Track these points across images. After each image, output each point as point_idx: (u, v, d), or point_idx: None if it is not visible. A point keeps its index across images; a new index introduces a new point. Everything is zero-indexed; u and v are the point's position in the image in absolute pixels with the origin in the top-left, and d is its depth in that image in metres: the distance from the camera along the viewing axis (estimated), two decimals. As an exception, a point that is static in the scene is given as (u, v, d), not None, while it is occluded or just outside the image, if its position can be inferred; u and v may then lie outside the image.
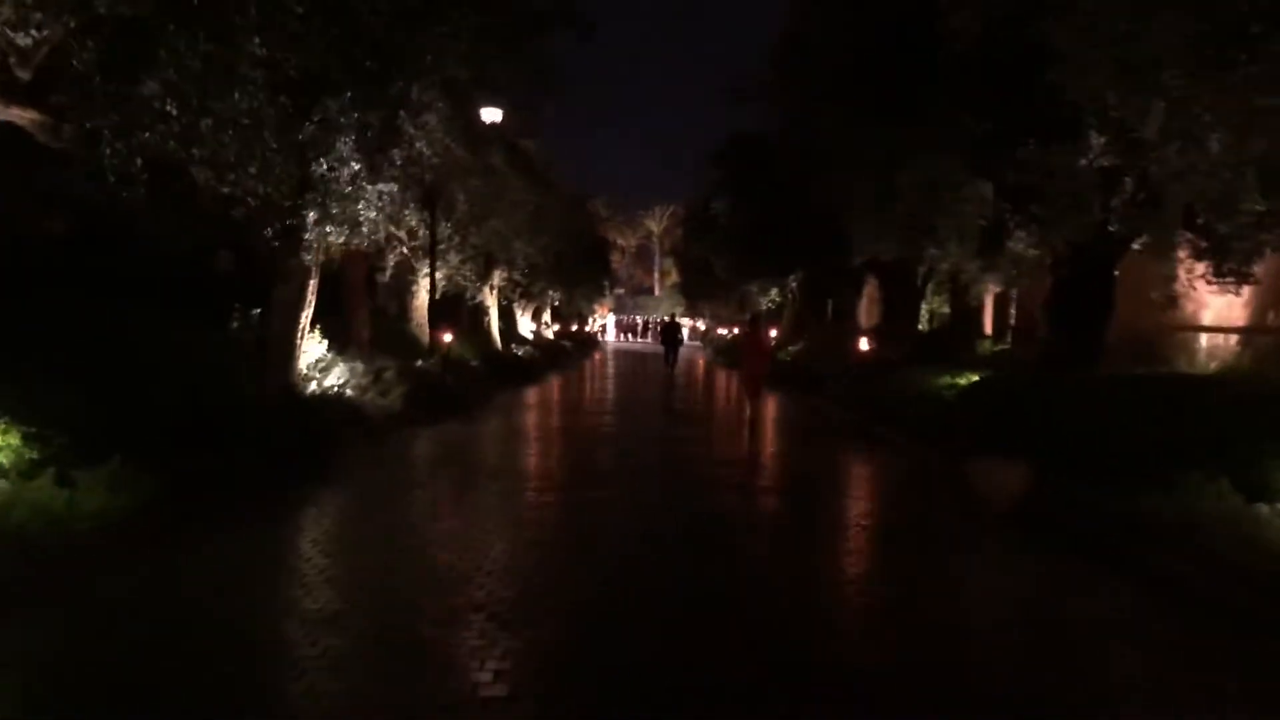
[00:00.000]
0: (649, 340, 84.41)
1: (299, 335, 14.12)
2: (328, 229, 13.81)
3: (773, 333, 36.89)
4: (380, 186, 14.27)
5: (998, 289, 18.23)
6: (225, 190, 10.30)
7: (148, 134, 8.94)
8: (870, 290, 37.84)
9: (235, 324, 15.10)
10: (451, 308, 29.42)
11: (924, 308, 34.09)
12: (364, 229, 14.57)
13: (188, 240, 15.18)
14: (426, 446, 14.11)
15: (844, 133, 16.37)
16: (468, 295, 30.27)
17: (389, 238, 23.37)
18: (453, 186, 22.69)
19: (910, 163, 14.62)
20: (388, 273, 23.95)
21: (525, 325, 41.35)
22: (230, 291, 15.67)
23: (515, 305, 39.28)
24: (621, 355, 56.93)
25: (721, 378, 34.90)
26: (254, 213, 14.11)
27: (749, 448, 15.12)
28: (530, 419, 18.14)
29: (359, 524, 8.70)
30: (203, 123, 9.26)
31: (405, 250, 23.54)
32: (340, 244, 14.24)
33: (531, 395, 24.43)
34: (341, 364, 15.52)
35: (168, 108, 8.97)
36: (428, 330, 22.71)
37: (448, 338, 19.13)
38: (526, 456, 13.38)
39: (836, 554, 8.12)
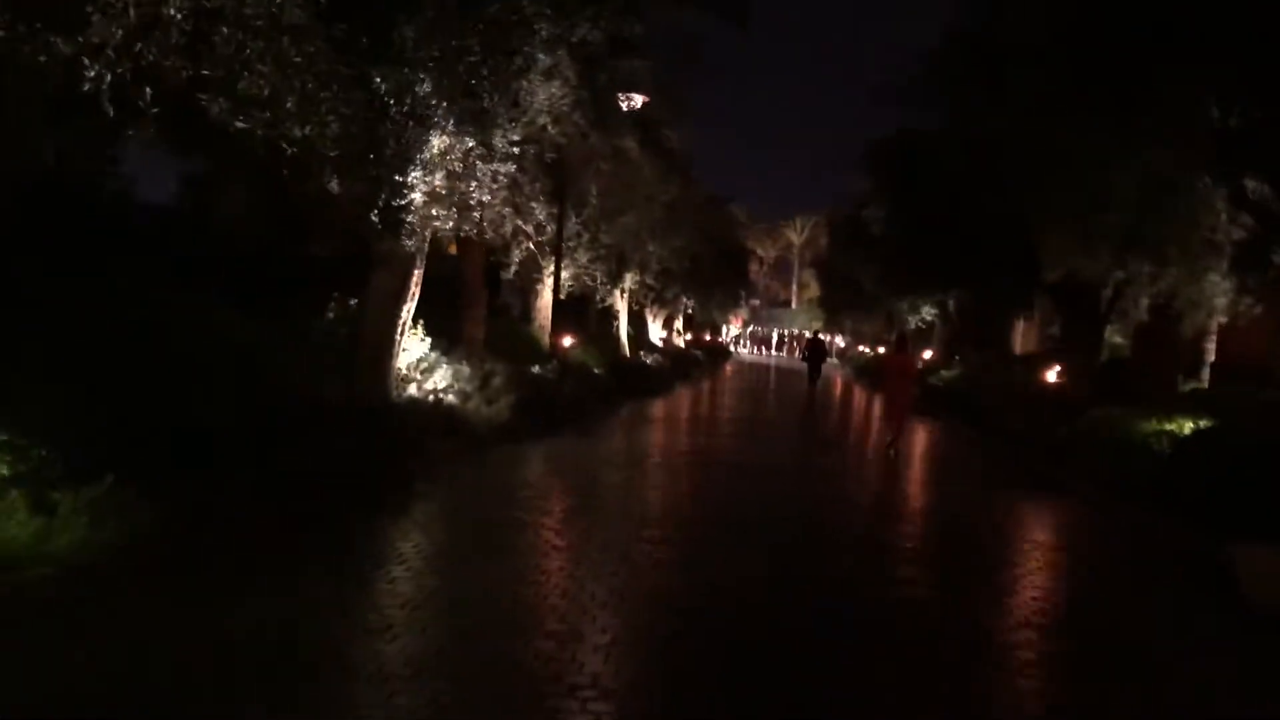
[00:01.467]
0: (783, 354, 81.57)
1: (398, 331, 12.44)
2: (434, 211, 12.14)
3: (925, 354, 33.95)
4: (496, 166, 12.50)
5: (1220, 318, 15.22)
6: (287, 149, 8.55)
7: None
8: (1031, 317, 34.60)
9: (331, 315, 13.58)
10: (578, 311, 27.73)
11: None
12: (475, 214, 12.84)
13: (272, 222, 13.69)
14: (528, 469, 12.20)
15: (1041, 127, 13.73)
16: (596, 298, 28.53)
17: (515, 231, 21.85)
18: (584, 178, 20.95)
19: (1129, 161, 11.97)
20: (512, 269, 22.32)
21: (656, 332, 39.47)
22: (329, 280, 14.19)
23: (646, 310, 37.42)
24: (755, 369, 54.48)
25: (865, 401, 32.18)
26: (350, 189, 12.60)
27: (894, 487, 12.74)
28: (652, 439, 16.11)
29: (417, 584, 6.77)
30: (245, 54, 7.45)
31: (531, 245, 21.90)
32: (448, 229, 12.51)
33: (657, 410, 22.40)
34: (446, 365, 13.81)
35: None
36: (549, 333, 20.97)
37: (568, 342, 17.30)
38: (641, 490, 11.28)
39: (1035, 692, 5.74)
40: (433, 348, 14.22)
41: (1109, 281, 20.78)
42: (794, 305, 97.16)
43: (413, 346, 13.62)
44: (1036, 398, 17.57)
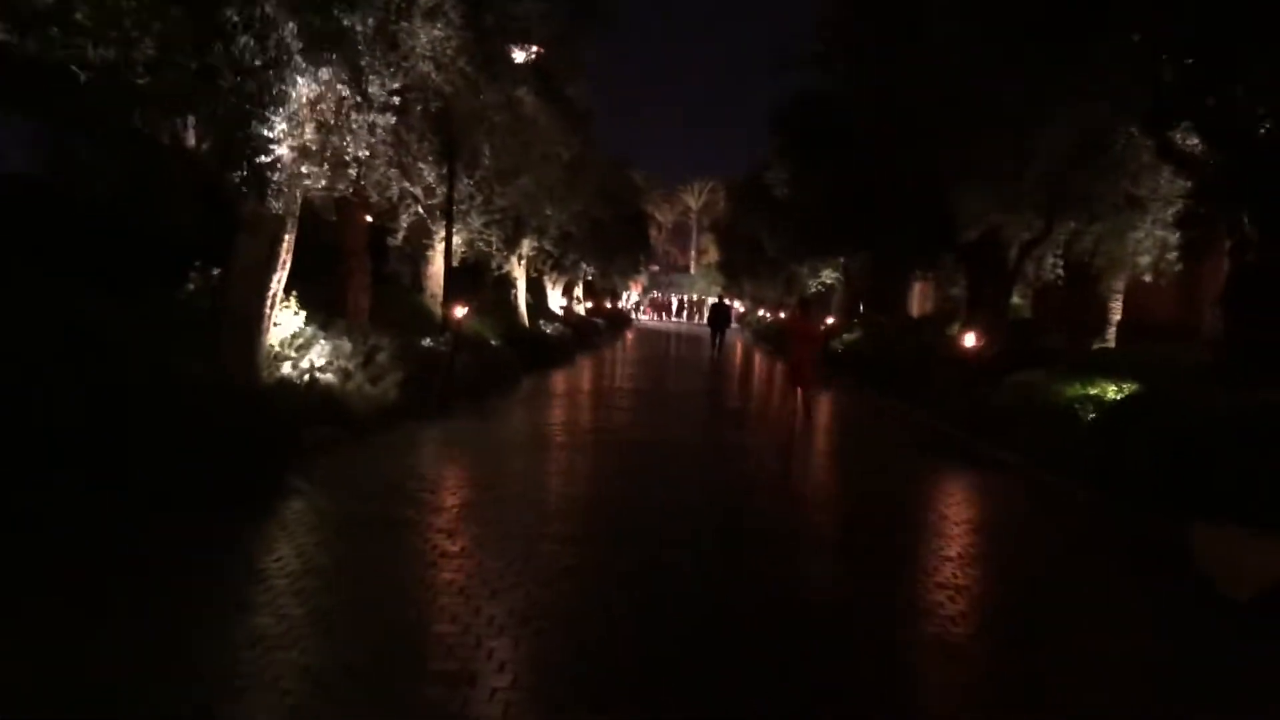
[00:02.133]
0: (683, 320, 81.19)
1: (267, 304, 11.10)
2: (304, 168, 10.80)
3: (829, 319, 33.65)
4: (374, 117, 11.21)
5: (1144, 275, 14.84)
6: (81, 75, 7.20)
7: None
8: (928, 279, 34.49)
9: (192, 287, 12.11)
10: (473, 279, 26.34)
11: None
12: (352, 171, 11.52)
13: (124, 186, 12.18)
14: (417, 457, 11.01)
15: (961, 81, 13.02)
16: (493, 265, 27.21)
17: (402, 194, 20.39)
18: (477, 135, 19.60)
19: (1055, 115, 11.32)
20: (399, 235, 20.87)
21: (555, 300, 38.25)
22: (190, 250, 12.68)
23: (545, 278, 36.17)
24: (657, 336, 53.72)
25: (769, 367, 31.66)
26: (209, 144, 11.18)
27: (810, 463, 12.05)
28: (554, 417, 15.04)
29: (275, 614, 5.63)
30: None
31: (420, 209, 20.47)
32: (321, 189, 11.17)
33: (559, 382, 21.33)
34: (324, 341, 12.48)
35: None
36: (441, 303, 19.64)
37: (461, 312, 16.02)
38: (543, 478, 10.21)
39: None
40: (310, 321, 12.87)
41: (1015, 241, 20.53)
42: (692, 270, 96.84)
43: (285, 321, 12.26)
44: (946, 362, 17.09)
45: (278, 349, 12.03)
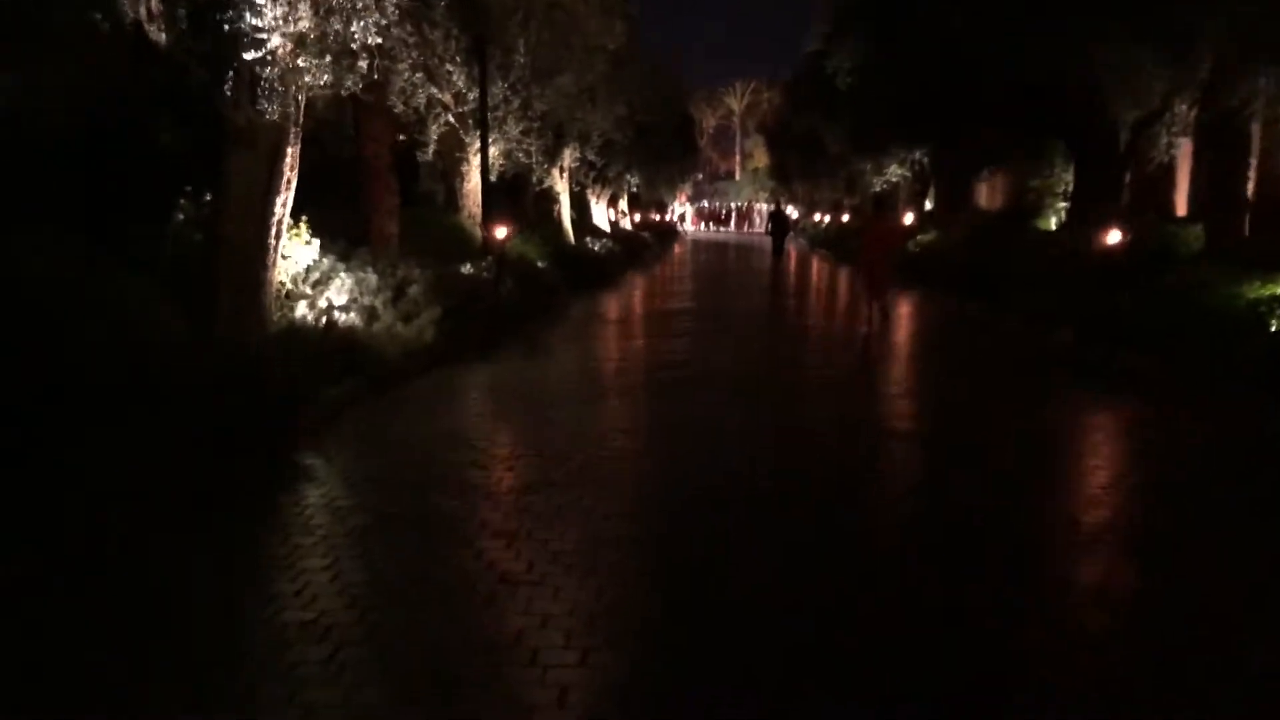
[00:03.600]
0: (732, 229, 78.42)
1: (271, 233, 9.14)
2: (302, 62, 8.73)
3: (908, 218, 31.05)
4: (383, -5, 9.07)
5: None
6: None
7: None
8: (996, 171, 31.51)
9: (182, 218, 10.16)
10: (513, 196, 24.26)
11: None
12: (361, 64, 9.38)
13: (98, 102, 10.19)
14: (457, 415, 8.96)
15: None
16: (534, 179, 25.04)
17: (430, 102, 18.22)
18: (510, 28, 17.27)
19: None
20: (430, 149, 18.77)
21: (601, 215, 35.99)
22: (180, 176, 10.69)
23: (589, 191, 33.89)
24: (708, 247, 51.25)
25: (836, 276, 29.32)
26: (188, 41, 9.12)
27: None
28: (612, 351, 13.02)
29: (253, 665, 3.75)
30: None
31: (451, 118, 18.32)
32: (325, 86, 9.07)
33: (612, 306, 19.27)
34: (345, 274, 10.54)
35: None
36: (480, 224, 17.57)
37: (502, 232, 13.97)
38: (611, 439, 8.13)
39: None
40: (327, 251, 10.93)
41: (1127, 118, 17.89)
42: (738, 176, 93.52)
43: (296, 252, 10.32)
44: (1062, 260, 14.73)
45: (290, 286, 10.13)
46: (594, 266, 23.29)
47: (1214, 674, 3.82)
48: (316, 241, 10.46)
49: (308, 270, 10.45)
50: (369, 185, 13.93)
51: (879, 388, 10.46)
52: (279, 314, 9.60)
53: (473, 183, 18.69)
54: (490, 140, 18.18)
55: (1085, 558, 5.12)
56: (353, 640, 4.03)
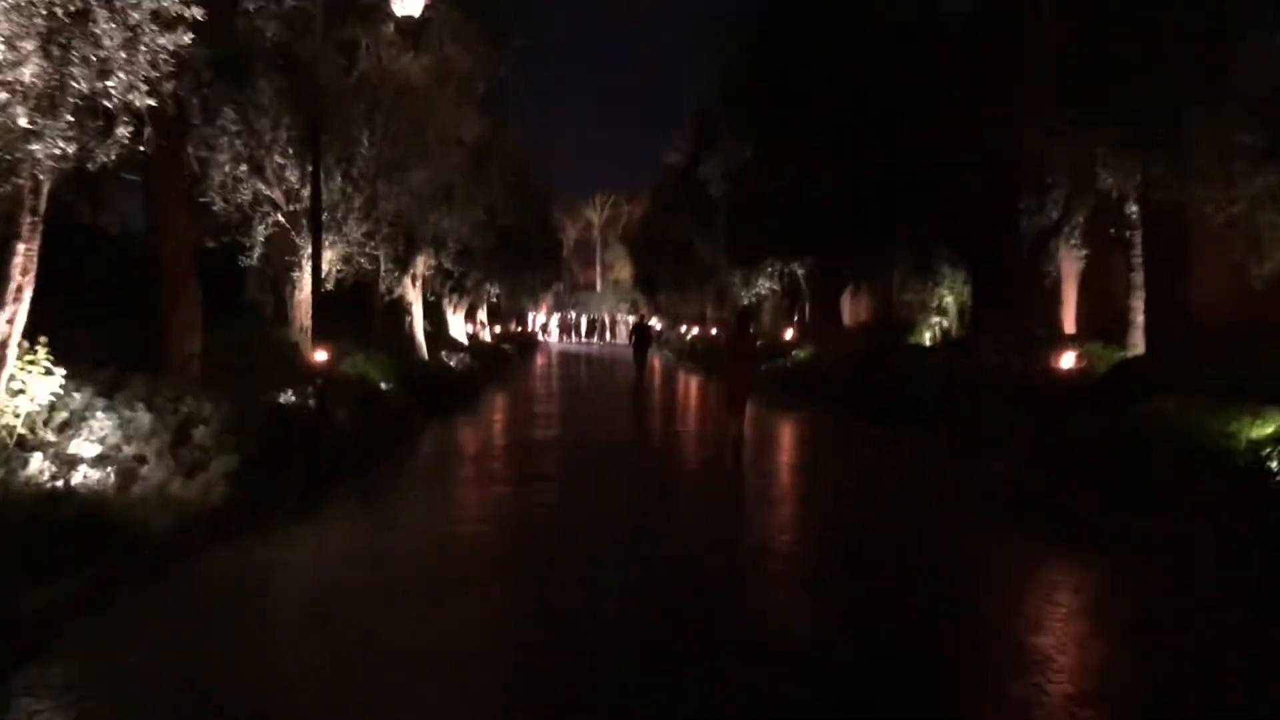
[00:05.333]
0: (594, 341, 76.83)
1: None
2: (24, 121, 6.18)
3: (788, 333, 29.75)
4: (148, 40, 6.62)
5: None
6: None
7: None
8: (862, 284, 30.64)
9: None
10: (357, 307, 21.53)
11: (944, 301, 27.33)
12: (123, 131, 6.82)
13: None
14: (236, 623, 6.20)
15: None
16: (383, 288, 22.41)
17: (256, 198, 15.60)
18: (352, 117, 14.92)
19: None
20: (255, 253, 16.04)
21: (457, 326, 33.42)
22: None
23: (445, 301, 31.37)
24: (572, 360, 49.10)
25: (710, 395, 27.57)
26: None
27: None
28: (470, 503, 10.48)
29: None
30: None
31: (281, 218, 15.70)
32: (66, 157, 6.46)
33: (471, 437, 16.62)
34: (103, 413, 7.76)
35: None
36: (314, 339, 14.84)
37: (321, 356, 11.31)
38: (461, 658, 5.77)
39: None
40: (87, 382, 8.13)
41: (1030, 230, 16.84)
42: (599, 288, 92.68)
43: (33, 383, 7.50)
44: (994, 382, 13.08)
45: (21, 430, 7.30)
46: (451, 387, 20.69)
47: None
48: (61, 371, 7.65)
49: (51, 408, 7.64)
50: (165, 291, 11.12)
51: (781, 536, 8.25)
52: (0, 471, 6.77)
53: (305, 292, 15.98)
54: (327, 242, 15.64)
55: None
56: None
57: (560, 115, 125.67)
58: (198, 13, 6.82)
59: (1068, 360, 11.02)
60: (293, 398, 11.57)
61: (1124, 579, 7.23)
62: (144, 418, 7.99)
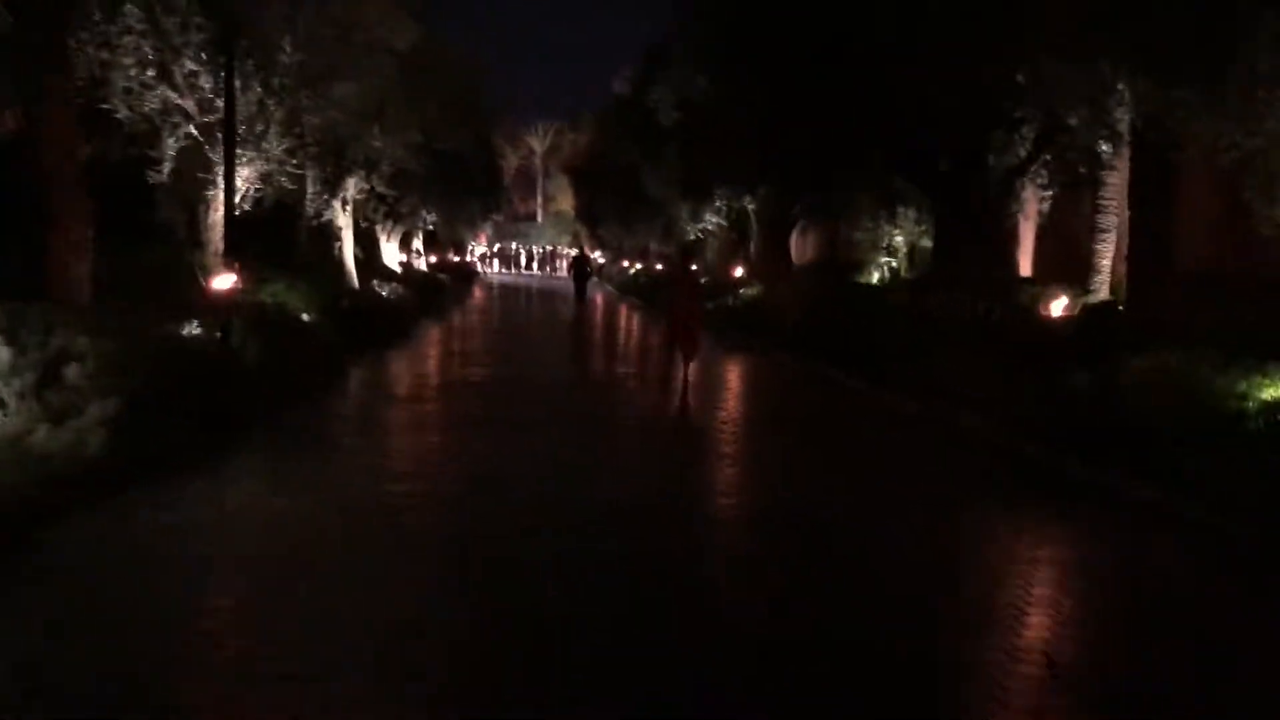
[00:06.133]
0: (534, 273, 75.30)
1: None
2: None
3: (738, 270, 28.89)
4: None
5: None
6: None
7: None
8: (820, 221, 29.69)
9: None
10: (281, 229, 20.00)
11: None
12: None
13: None
14: (110, 606, 5.20)
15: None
16: (310, 211, 20.86)
17: (166, 107, 14.06)
18: (271, 19, 13.39)
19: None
20: (165, 169, 14.54)
21: (391, 255, 31.85)
22: None
23: (378, 228, 29.76)
24: (511, 292, 47.74)
25: (651, 332, 26.65)
26: None
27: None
28: (393, 455, 9.42)
29: None
30: None
31: (194, 130, 14.20)
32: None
33: (402, 375, 15.41)
34: (-47, 349, 6.52)
35: None
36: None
37: (227, 281, 10.01)
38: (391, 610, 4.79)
39: None
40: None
41: (999, 166, 16.00)
42: (539, 219, 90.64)
43: None
44: (954, 330, 12.28)
45: None
46: (382, 318, 19.37)
47: None
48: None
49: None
50: (44, 208, 9.70)
51: (733, 500, 7.36)
52: None
53: (219, 213, 14.54)
54: (245, 159, 14.22)
55: None
56: None
57: (499, 34, 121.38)
58: None
59: (1058, 306, 10.16)
60: (199, 330, 10.32)
61: (1132, 562, 6.44)
62: (2, 353, 6.74)
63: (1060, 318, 10.10)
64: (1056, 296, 10.82)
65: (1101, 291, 16.68)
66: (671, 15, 21.84)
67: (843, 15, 14.54)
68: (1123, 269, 17.61)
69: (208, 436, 8.09)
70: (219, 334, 10.02)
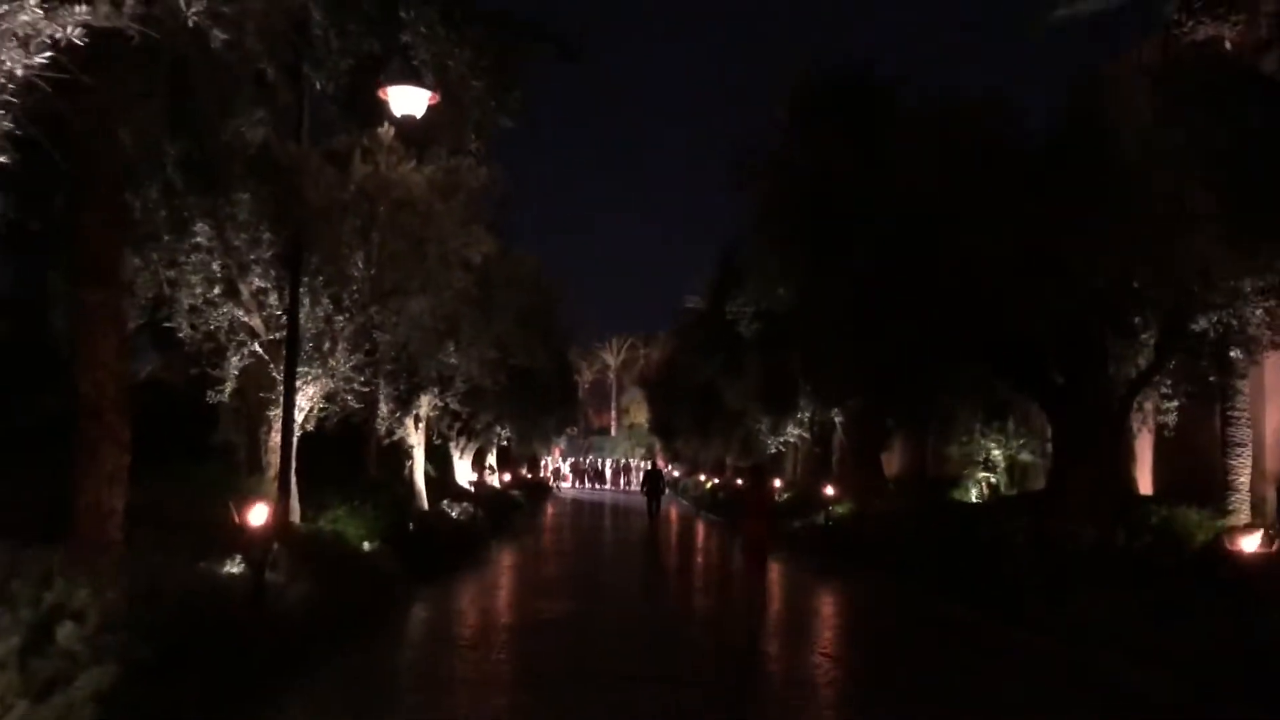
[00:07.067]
0: (611, 487, 73.98)
1: None
2: None
3: (829, 489, 27.39)
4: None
5: None
6: None
7: None
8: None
9: None
10: (350, 450, 19.21)
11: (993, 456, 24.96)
12: None
13: None
14: None
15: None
16: (382, 430, 20.13)
17: (232, 326, 13.59)
18: (337, 227, 12.93)
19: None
20: (226, 388, 13.90)
21: (463, 472, 30.99)
22: None
23: (451, 445, 29.08)
24: (584, 509, 46.39)
25: (734, 554, 24.99)
26: None
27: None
28: (444, 708, 7.91)
29: None
30: None
31: (259, 348, 13.62)
32: None
33: (468, 612, 13.96)
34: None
35: None
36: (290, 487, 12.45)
37: (261, 514, 8.85)
38: None
39: None
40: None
41: (1121, 369, 14.67)
42: (614, 433, 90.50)
43: None
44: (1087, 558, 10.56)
45: None
46: (451, 542, 18.17)
47: None
48: None
49: None
50: (80, 436, 8.83)
51: None
52: None
53: (278, 435, 13.74)
54: (311, 376, 13.55)
55: None
56: None
57: (572, 249, 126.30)
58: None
59: (1251, 542, 8.42)
60: (240, 567, 9.18)
61: None
62: (-16, 612, 5.62)
63: (1254, 553, 8.34)
64: (1252, 532, 9.11)
65: (1242, 512, 14.93)
66: (747, 223, 21.35)
67: (935, 212, 13.71)
68: (1264, 488, 15.83)
69: (223, 707, 6.74)
70: (254, 573, 8.83)
